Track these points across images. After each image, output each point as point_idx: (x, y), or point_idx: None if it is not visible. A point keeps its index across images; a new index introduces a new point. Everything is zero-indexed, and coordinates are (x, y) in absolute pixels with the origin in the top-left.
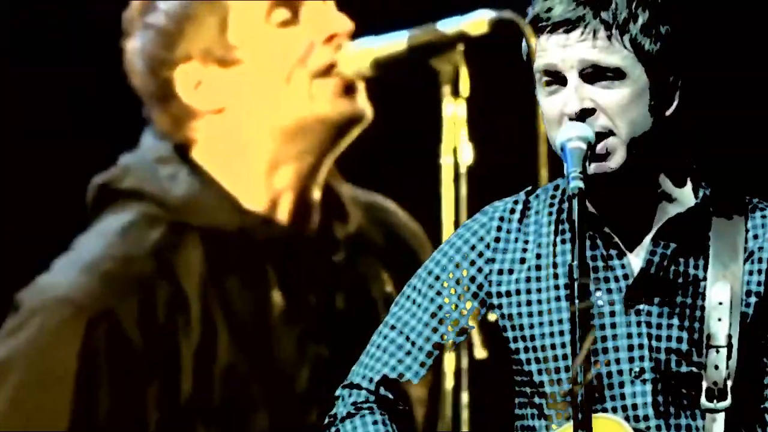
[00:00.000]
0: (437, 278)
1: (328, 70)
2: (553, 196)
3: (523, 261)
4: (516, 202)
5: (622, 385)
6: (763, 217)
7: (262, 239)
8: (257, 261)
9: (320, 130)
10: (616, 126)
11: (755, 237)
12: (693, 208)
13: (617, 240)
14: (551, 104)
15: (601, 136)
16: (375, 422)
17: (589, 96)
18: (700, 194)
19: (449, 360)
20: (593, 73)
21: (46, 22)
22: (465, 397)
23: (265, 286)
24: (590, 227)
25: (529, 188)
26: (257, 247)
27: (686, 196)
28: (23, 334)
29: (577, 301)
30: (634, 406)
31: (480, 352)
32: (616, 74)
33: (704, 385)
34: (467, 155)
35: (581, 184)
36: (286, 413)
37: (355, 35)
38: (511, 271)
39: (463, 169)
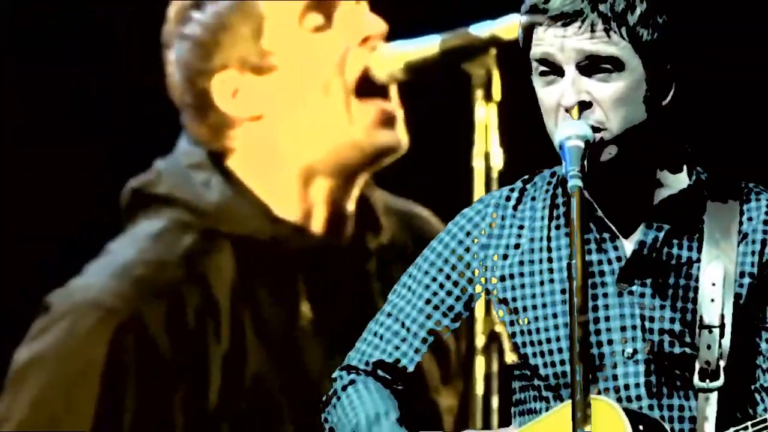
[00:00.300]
0: (432, 264)
1: (366, 88)
2: (549, 183)
3: (517, 246)
4: (512, 190)
5: (614, 366)
6: (758, 200)
7: (294, 249)
8: (288, 270)
9: (356, 155)
10: (609, 120)
11: (750, 219)
12: (686, 189)
13: (610, 224)
14: (548, 94)
15: (594, 129)
16: (377, 386)
17: (586, 89)
18: (694, 178)
19: (480, 365)
20: (590, 65)
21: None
22: (495, 401)
23: (296, 296)
24: (572, 227)
25: (526, 176)
26: (289, 256)
27: (681, 181)
28: (52, 335)
29: (576, 299)
30: (626, 387)
31: (510, 357)
32: (614, 65)
33: (697, 365)
34: (499, 159)
35: (580, 183)
36: (312, 424)
37: (388, 38)
38: (505, 257)
39: (495, 173)
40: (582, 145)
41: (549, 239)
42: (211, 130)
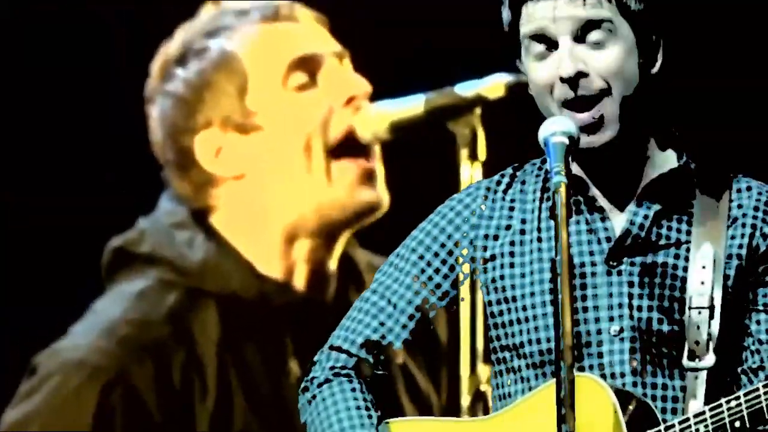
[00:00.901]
0: (420, 243)
1: (346, 149)
2: (540, 168)
3: (508, 227)
4: (503, 176)
5: (600, 343)
6: (749, 189)
7: (278, 306)
8: (274, 327)
9: (338, 214)
10: (610, 86)
11: (739, 206)
12: (675, 169)
13: (601, 203)
14: (542, 69)
15: (596, 98)
16: (353, 389)
17: (582, 58)
18: (683, 160)
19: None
20: (584, 33)
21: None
22: None
23: (282, 353)
24: (575, 190)
25: (517, 164)
26: (274, 313)
27: (670, 161)
28: (39, 396)
29: (560, 295)
30: (611, 364)
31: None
32: (607, 30)
33: (687, 345)
34: None
35: (564, 179)
36: None
37: (373, 97)
38: (496, 237)
39: None
40: (566, 141)
41: (539, 220)
42: (194, 188)
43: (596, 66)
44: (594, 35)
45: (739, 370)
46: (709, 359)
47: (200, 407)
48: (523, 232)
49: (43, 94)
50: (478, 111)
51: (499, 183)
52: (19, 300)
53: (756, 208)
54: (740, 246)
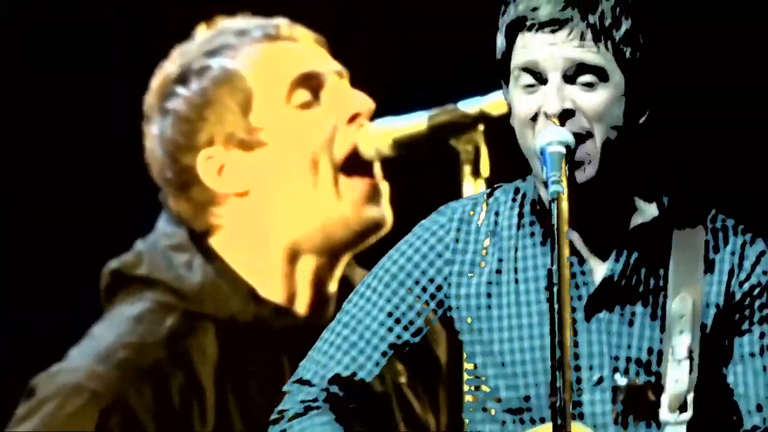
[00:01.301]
0: (394, 277)
1: (353, 166)
2: (514, 199)
3: (483, 264)
4: (475, 204)
5: (580, 392)
6: (725, 229)
7: (278, 329)
8: (273, 351)
9: (344, 232)
10: (593, 128)
11: (715, 250)
12: (657, 218)
13: (579, 247)
14: (528, 102)
15: (579, 138)
16: (324, 423)
17: (570, 97)
18: (662, 204)
19: None
20: (576, 74)
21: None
22: None
23: (281, 377)
24: (553, 233)
25: (488, 190)
26: (273, 336)
27: (650, 207)
28: (37, 418)
29: (556, 305)
30: (593, 414)
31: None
32: (600, 75)
33: (665, 397)
34: None
35: (561, 189)
36: None
37: (376, 114)
38: (470, 274)
39: None
40: (563, 150)
41: (516, 260)
42: (194, 208)
43: (583, 106)
44: (585, 78)
45: (719, 422)
46: (688, 413)
47: (199, 431)
48: (499, 271)
49: (40, 107)
50: (481, 128)
51: (472, 213)
52: (18, 319)
53: (732, 253)
54: (717, 294)
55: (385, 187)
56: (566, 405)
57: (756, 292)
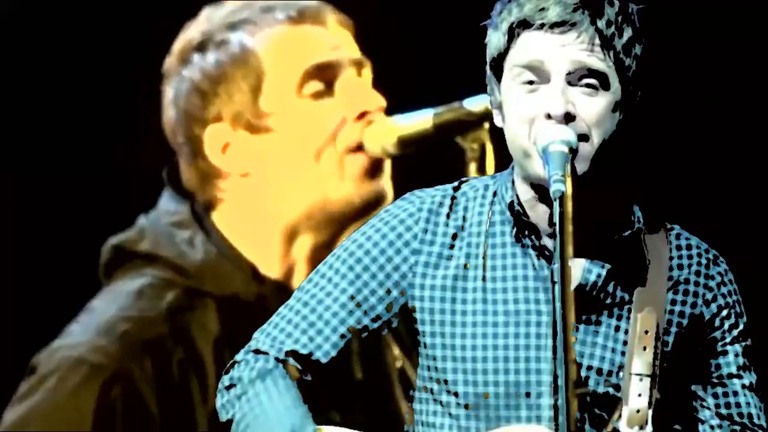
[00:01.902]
0: (359, 261)
1: (357, 148)
2: (484, 196)
3: (450, 258)
4: (444, 196)
5: (540, 395)
6: (688, 247)
7: (277, 306)
8: None
9: (342, 209)
10: (591, 133)
11: (680, 267)
12: (633, 232)
13: (550, 254)
14: (529, 101)
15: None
16: (287, 386)
17: (573, 100)
18: (636, 217)
19: None
20: (579, 78)
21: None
22: None
23: None
24: (528, 233)
25: (456, 184)
26: (272, 313)
27: (625, 218)
28: (39, 395)
29: (558, 304)
30: (551, 418)
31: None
32: (602, 82)
33: (626, 411)
34: None
35: (564, 188)
36: None
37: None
38: (437, 266)
39: None
40: (566, 150)
41: (485, 257)
42: (200, 178)
43: (583, 111)
44: (589, 82)
45: None
46: (648, 429)
47: (200, 405)
48: (466, 266)
49: (42, 87)
50: (486, 126)
51: (441, 205)
52: (19, 298)
53: (698, 273)
54: (681, 314)
55: (386, 164)
56: (569, 404)
57: (724, 313)
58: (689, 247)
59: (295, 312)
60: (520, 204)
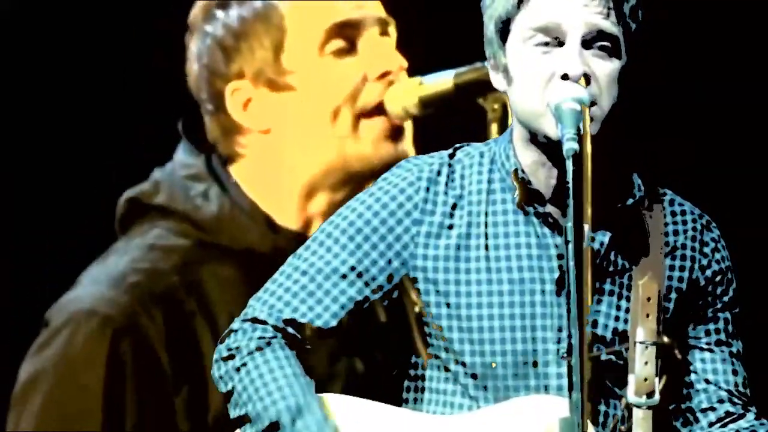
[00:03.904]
0: (359, 231)
1: (375, 109)
2: (480, 164)
3: (451, 227)
4: (441, 164)
5: (547, 364)
6: (683, 213)
7: None
8: None
9: (360, 168)
10: (602, 96)
11: (675, 233)
12: (636, 201)
13: (553, 221)
14: (543, 62)
15: (590, 105)
16: (287, 357)
17: (588, 62)
18: (636, 185)
19: None
20: (593, 41)
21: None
22: None
23: None
24: (529, 201)
25: (451, 151)
26: None
27: (627, 187)
28: (52, 349)
29: (571, 263)
30: (559, 387)
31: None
32: (614, 46)
33: (632, 380)
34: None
35: (577, 146)
36: None
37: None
38: (438, 236)
39: None
40: (578, 108)
41: (486, 225)
42: (222, 131)
43: (598, 73)
44: (602, 45)
45: (683, 407)
46: (656, 397)
47: (211, 358)
48: (468, 236)
49: (55, 40)
50: None
51: (439, 174)
52: (38, 254)
53: (693, 238)
54: (680, 279)
55: (408, 126)
56: (583, 366)
57: (718, 279)
58: (683, 212)
59: (294, 281)
60: (523, 171)
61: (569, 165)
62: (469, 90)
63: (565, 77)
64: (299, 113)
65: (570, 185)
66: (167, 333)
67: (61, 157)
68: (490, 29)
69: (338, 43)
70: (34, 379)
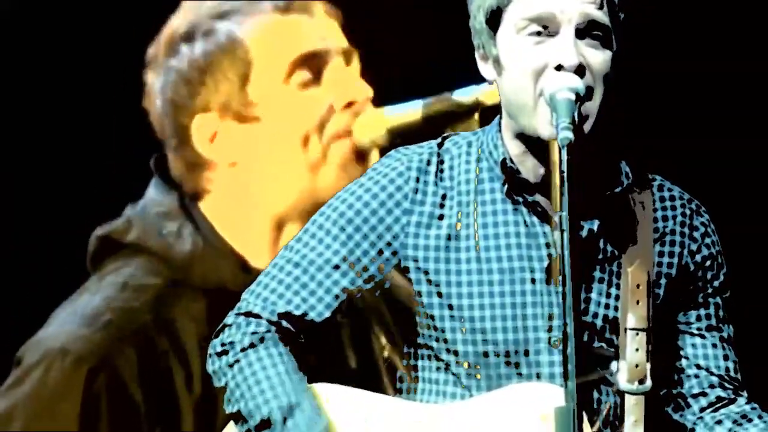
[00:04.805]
0: (350, 221)
1: (343, 136)
2: (468, 153)
3: (441, 217)
4: (430, 154)
5: (538, 352)
6: (672, 198)
7: None
8: None
9: (330, 196)
10: (595, 87)
11: (665, 219)
12: (624, 188)
13: (542, 210)
14: (537, 53)
15: (584, 97)
16: (280, 354)
17: (582, 52)
18: (624, 172)
19: None
20: (585, 31)
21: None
22: None
23: None
24: (518, 190)
25: (439, 140)
26: None
27: (615, 174)
28: (24, 386)
29: (566, 252)
30: (551, 375)
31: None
32: (606, 35)
33: (624, 367)
34: None
35: (571, 136)
36: None
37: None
38: (429, 226)
39: None
40: (573, 97)
41: (476, 215)
42: (187, 168)
43: (592, 63)
44: (595, 35)
45: (674, 393)
46: (648, 383)
47: (184, 396)
48: (458, 226)
49: (31, 81)
50: (476, 116)
51: (429, 163)
52: (8, 291)
53: (683, 224)
54: (669, 265)
55: (375, 150)
56: (571, 353)
57: (708, 264)
58: (672, 198)
59: (286, 273)
60: (512, 160)
61: (564, 154)
62: (438, 120)
63: (559, 68)
64: (266, 144)
65: (564, 174)
66: (140, 371)
67: (33, 193)
68: (479, 19)
69: (304, 74)
70: (7, 416)
